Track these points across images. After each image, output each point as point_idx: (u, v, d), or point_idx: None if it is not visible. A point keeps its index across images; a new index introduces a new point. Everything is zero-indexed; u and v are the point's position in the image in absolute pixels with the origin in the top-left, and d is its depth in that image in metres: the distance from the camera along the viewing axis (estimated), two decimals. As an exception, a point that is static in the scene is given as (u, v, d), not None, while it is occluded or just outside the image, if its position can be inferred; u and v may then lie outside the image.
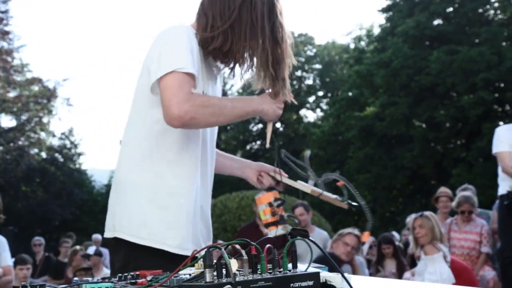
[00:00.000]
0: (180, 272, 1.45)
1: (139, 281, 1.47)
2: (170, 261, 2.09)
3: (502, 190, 5.89)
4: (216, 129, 2.45)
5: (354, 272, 6.09)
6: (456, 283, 4.99)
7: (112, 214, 2.31)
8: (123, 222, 2.24)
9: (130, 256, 2.22)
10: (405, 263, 7.01)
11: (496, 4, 22.89)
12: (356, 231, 6.33)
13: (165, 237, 2.20)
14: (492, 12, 23.03)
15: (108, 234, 2.30)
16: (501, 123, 18.99)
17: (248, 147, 34.15)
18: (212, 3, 2.21)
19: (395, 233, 10.19)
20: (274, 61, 2.22)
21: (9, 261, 6.19)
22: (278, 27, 2.22)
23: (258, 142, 34.47)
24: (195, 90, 2.14)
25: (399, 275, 6.68)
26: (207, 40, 2.19)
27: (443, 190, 7.68)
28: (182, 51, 2.11)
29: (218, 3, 2.19)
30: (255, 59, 2.25)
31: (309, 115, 36.03)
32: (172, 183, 2.22)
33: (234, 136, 33.25)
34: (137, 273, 1.53)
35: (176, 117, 2.04)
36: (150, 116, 2.22)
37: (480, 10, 22.64)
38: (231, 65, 2.27)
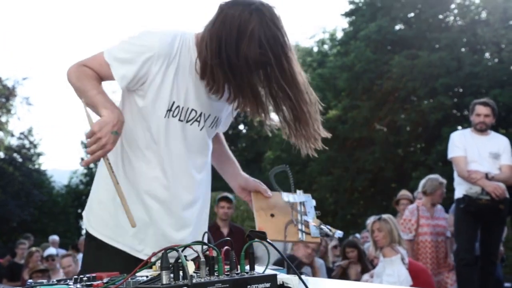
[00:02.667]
0: (137, 274, 1.45)
1: (95, 283, 1.46)
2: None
3: (458, 194, 6.03)
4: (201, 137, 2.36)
5: (314, 274, 6.13)
6: (414, 285, 5.07)
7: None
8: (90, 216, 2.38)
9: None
10: (370, 267, 7.07)
11: (456, 11, 23.34)
12: (317, 233, 6.36)
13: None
14: (451, 18, 23.48)
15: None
16: (459, 127, 19.37)
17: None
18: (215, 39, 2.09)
19: (358, 236, 10.27)
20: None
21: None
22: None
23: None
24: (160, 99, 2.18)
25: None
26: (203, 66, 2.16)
27: (404, 193, 7.81)
28: (130, 50, 2.16)
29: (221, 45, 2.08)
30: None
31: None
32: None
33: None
34: (94, 275, 1.52)
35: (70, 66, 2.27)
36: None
37: (440, 16, 23.05)
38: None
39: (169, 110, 2.20)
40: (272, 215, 2.34)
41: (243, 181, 2.52)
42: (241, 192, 2.52)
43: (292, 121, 2.19)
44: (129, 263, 2.12)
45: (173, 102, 2.20)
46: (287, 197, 2.38)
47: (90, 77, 2.20)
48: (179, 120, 2.23)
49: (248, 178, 2.53)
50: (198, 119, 2.27)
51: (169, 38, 2.16)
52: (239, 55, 2.03)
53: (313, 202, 2.42)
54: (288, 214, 2.33)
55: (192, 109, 2.24)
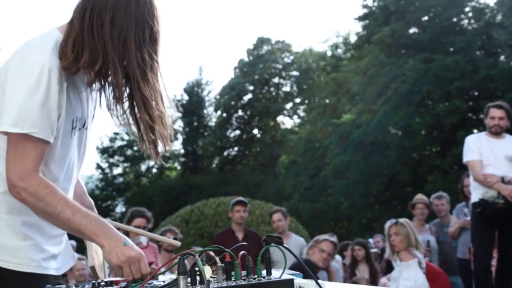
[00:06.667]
0: (153, 279, 1.45)
1: (113, 288, 1.47)
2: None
3: (474, 198, 5.97)
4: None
5: (330, 278, 6.11)
6: (431, 288, 5.04)
7: None
8: None
9: None
10: (378, 270, 7.06)
11: (470, 14, 23.23)
12: (332, 238, 6.36)
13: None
14: (466, 21, 23.36)
15: None
16: (475, 131, 19.23)
17: (225, 153, 34.13)
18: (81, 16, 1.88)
19: (371, 240, 10.23)
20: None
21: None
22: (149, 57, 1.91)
23: (236, 148, 34.47)
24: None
25: (371, 280, 6.71)
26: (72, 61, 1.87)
27: (420, 197, 7.75)
28: (37, 108, 1.82)
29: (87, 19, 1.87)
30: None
31: (287, 122, 36.11)
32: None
33: (212, 142, 33.24)
34: (111, 279, 1.53)
35: (11, 186, 1.84)
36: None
37: (455, 19, 22.95)
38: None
39: (74, 128, 2.01)
40: None
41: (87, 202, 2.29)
42: None
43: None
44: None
45: (76, 117, 2.01)
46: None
47: (47, 191, 1.84)
48: (79, 129, 2.05)
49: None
50: (85, 124, 2.10)
51: (49, 47, 1.88)
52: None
53: None
54: None
55: (78, 118, 2.04)
